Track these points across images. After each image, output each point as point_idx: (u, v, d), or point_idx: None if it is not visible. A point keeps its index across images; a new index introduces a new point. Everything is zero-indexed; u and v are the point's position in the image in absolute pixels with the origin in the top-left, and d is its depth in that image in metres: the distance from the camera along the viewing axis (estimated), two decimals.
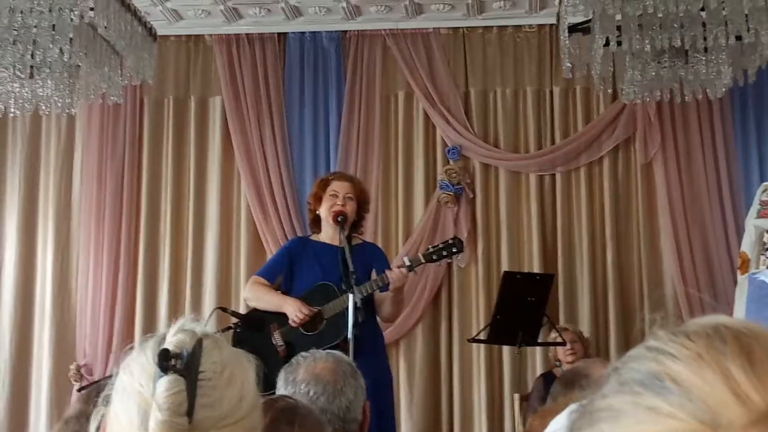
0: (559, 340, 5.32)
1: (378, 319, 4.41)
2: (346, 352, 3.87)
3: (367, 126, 6.28)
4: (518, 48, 6.30)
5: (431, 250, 4.31)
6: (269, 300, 4.34)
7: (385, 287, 4.18)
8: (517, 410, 5.28)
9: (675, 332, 0.61)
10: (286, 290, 4.39)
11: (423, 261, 4.27)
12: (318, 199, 4.42)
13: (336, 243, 4.29)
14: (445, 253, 4.28)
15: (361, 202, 4.44)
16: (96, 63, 4.49)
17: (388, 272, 4.12)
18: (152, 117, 6.46)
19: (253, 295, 4.43)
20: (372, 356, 4.13)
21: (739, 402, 0.55)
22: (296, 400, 1.82)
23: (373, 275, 4.26)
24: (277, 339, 4.25)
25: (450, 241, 4.33)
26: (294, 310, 4.21)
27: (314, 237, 4.50)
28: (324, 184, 4.46)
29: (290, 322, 4.23)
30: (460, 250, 4.37)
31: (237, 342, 4.22)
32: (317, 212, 4.42)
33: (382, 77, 6.35)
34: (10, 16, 4.06)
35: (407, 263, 4.17)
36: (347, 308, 4.01)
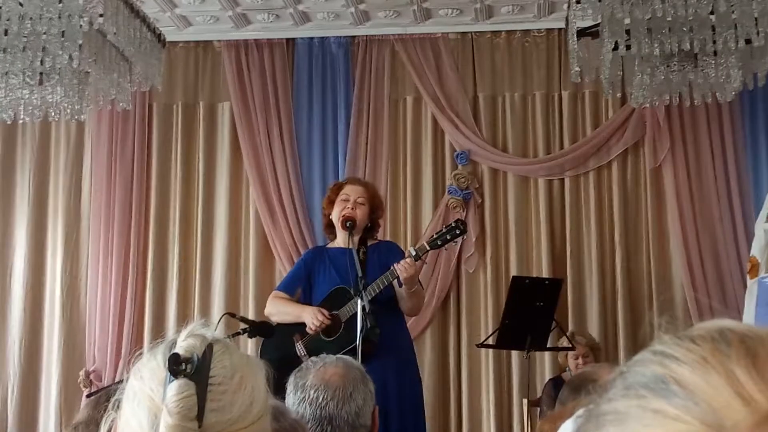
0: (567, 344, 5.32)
1: (404, 317, 4.40)
2: (369, 352, 3.87)
3: (375, 131, 6.28)
4: (527, 52, 6.30)
5: (435, 236, 4.26)
6: (289, 312, 4.36)
7: (398, 281, 4.16)
8: (526, 415, 5.27)
9: (680, 336, 0.62)
10: (307, 301, 4.40)
11: (428, 248, 4.23)
12: (331, 203, 4.43)
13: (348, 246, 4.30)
14: (449, 237, 4.22)
15: (374, 206, 4.43)
16: (105, 69, 4.51)
17: (395, 265, 4.10)
18: (161, 123, 6.48)
19: (275, 309, 4.44)
20: (397, 356, 4.13)
21: (743, 404, 0.55)
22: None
23: None
24: (301, 349, 4.26)
25: (453, 225, 4.28)
26: (311, 317, 4.22)
27: (330, 244, 4.52)
28: (337, 189, 4.47)
29: (307, 329, 4.24)
30: (464, 232, 4.29)
31: (262, 355, 4.24)
32: (330, 217, 4.43)
33: (391, 82, 6.36)
34: (20, 23, 4.07)
35: (413, 253, 4.14)
36: (363, 306, 4.01)
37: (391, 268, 4.12)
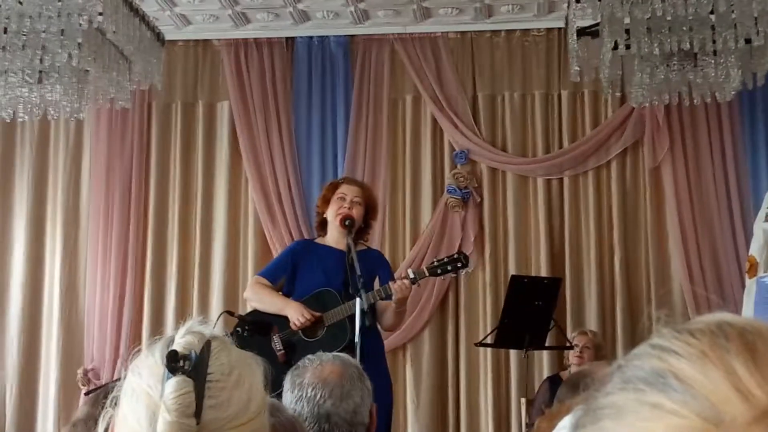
0: (572, 342, 5.34)
1: (378, 325, 4.39)
2: (352, 356, 3.85)
3: (374, 130, 6.28)
4: (526, 52, 6.30)
5: (436, 264, 4.26)
6: (271, 302, 4.31)
7: (387, 297, 4.15)
8: (524, 414, 5.28)
9: (679, 330, 0.62)
10: (288, 292, 4.36)
11: (427, 274, 4.23)
12: (326, 201, 4.41)
13: (341, 247, 4.28)
14: (449, 267, 4.23)
15: (369, 208, 4.41)
16: (104, 68, 4.51)
17: (391, 283, 4.09)
18: (160, 122, 6.48)
19: (255, 295, 4.39)
20: (373, 361, 4.11)
21: (742, 398, 0.55)
22: None
23: (377, 283, 4.24)
24: (277, 343, 4.22)
25: (456, 256, 4.28)
26: (296, 314, 4.19)
27: (319, 240, 4.49)
28: (333, 187, 4.46)
29: (291, 325, 4.21)
30: (465, 266, 4.33)
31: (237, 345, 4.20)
32: (324, 215, 4.41)
33: (390, 81, 6.36)
34: (19, 21, 4.08)
35: (411, 276, 4.12)
36: (354, 313, 4.00)
37: (385, 285, 4.11)
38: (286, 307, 4.24)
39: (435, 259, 4.40)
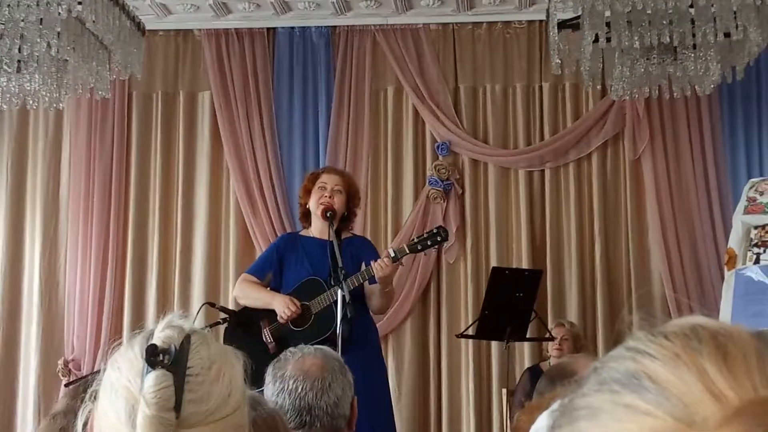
0: (553, 334, 5.37)
1: (371, 313, 4.40)
2: (335, 345, 3.87)
3: (356, 121, 6.28)
4: (508, 44, 6.31)
5: (416, 240, 4.27)
6: (258, 297, 4.33)
7: (371, 279, 4.16)
8: (505, 405, 5.31)
9: (653, 332, 0.63)
10: (276, 287, 4.37)
11: (407, 251, 4.22)
12: (307, 192, 4.41)
13: (326, 237, 4.29)
14: (429, 242, 4.22)
15: (351, 195, 4.42)
16: (84, 57, 4.48)
17: (373, 263, 4.09)
18: (140, 112, 6.44)
19: (243, 293, 4.42)
20: (365, 351, 4.13)
21: (713, 399, 0.56)
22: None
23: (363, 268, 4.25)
24: (267, 336, 4.25)
25: (435, 231, 4.28)
26: (282, 306, 4.20)
27: (304, 232, 4.49)
28: (314, 177, 4.46)
29: (279, 318, 4.22)
30: (445, 239, 4.31)
31: (227, 340, 4.21)
32: (307, 206, 4.41)
33: (372, 72, 6.35)
34: None
35: (392, 254, 4.13)
36: (335, 302, 4.01)
37: (368, 266, 4.11)
38: (272, 301, 4.26)
39: (415, 236, 4.41)
